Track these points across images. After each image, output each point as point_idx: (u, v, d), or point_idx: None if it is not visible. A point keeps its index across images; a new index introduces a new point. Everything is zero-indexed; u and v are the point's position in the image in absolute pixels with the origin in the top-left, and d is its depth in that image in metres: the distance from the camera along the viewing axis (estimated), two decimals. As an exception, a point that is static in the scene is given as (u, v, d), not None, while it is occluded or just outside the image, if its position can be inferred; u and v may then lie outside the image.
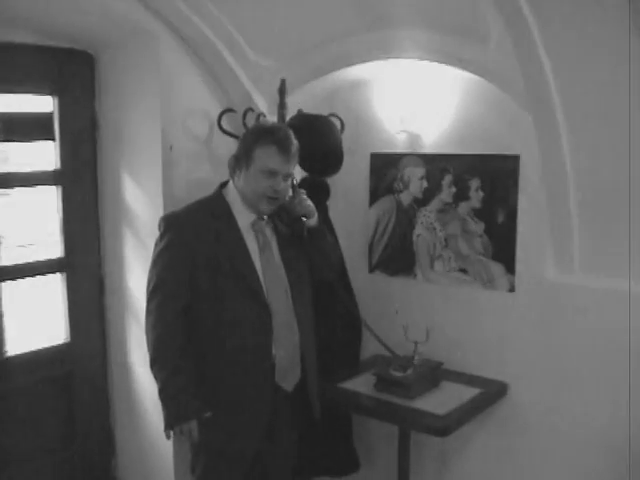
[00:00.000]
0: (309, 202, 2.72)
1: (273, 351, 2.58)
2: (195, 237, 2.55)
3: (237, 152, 2.66)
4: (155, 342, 2.53)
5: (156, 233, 3.25)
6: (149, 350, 2.57)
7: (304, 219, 2.68)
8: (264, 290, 2.59)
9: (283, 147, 2.56)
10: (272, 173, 2.56)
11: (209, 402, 2.56)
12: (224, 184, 2.73)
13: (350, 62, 3.19)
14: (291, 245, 2.72)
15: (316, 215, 2.75)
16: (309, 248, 2.72)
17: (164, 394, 2.51)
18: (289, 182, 2.66)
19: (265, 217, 2.69)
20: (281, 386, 2.64)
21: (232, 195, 2.66)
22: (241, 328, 2.56)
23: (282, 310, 2.63)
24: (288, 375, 2.66)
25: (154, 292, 2.57)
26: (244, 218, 2.64)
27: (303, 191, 2.75)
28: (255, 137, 2.61)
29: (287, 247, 2.72)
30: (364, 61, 3.17)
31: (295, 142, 2.61)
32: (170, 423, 2.52)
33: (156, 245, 2.63)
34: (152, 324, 2.55)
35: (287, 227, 2.73)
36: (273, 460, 2.81)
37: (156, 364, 2.54)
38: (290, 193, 2.71)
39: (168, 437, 2.56)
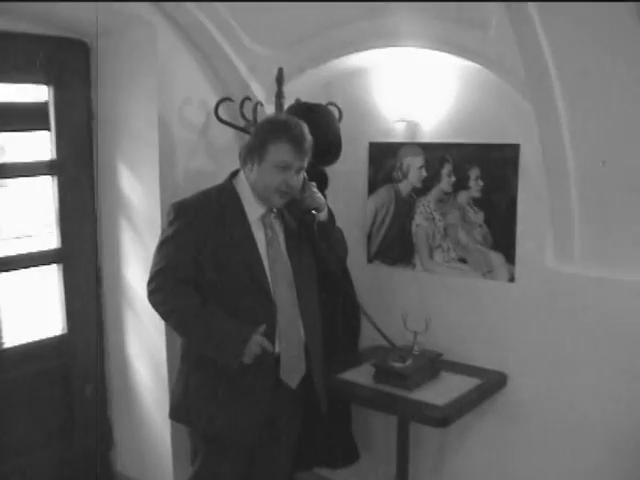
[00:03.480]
0: (319, 195, 2.70)
1: (277, 345, 2.56)
2: (204, 227, 2.53)
3: (249, 144, 2.61)
4: (174, 311, 2.51)
5: (153, 223, 3.26)
6: (171, 322, 2.55)
7: (314, 212, 2.66)
8: (269, 284, 2.57)
9: (297, 142, 2.53)
10: (285, 167, 2.53)
11: (210, 392, 2.55)
12: (235, 173, 2.70)
13: (348, 50, 3.17)
14: (299, 240, 2.70)
15: (326, 209, 2.73)
16: (318, 242, 2.70)
17: (212, 340, 2.48)
18: (301, 176, 2.63)
19: (274, 210, 2.66)
20: (285, 382, 2.62)
21: (242, 187, 2.63)
22: (245, 321, 2.52)
23: (287, 305, 2.60)
24: (293, 370, 2.63)
25: (159, 273, 2.53)
26: (253, 211, 2.61)
27: (314, 184, 2.72)
28: (269, 131, 2.56)
29: (295, 242, 2.70)
30: (362, 49, 3.15)
31: (309, 137, 2.58)
32: (236, 354, 2.44)
33: (163, 231, 2.62)
34: (162, 299, 2.52)
35: (296, 220, 2.70)
36: (273, 453, 2.80)
37: (187, 327, 2.52)
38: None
39: (247, 359, 2.45)
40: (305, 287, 2.70)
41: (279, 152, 2.52)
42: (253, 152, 2.57)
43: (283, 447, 2.84)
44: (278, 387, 2.60)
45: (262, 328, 2.47)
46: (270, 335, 2.53)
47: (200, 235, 2.52)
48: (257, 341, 2.44)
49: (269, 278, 2.58)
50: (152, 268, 2.57)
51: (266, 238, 2.61)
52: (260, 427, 2.61)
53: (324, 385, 2.80)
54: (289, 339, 2.60)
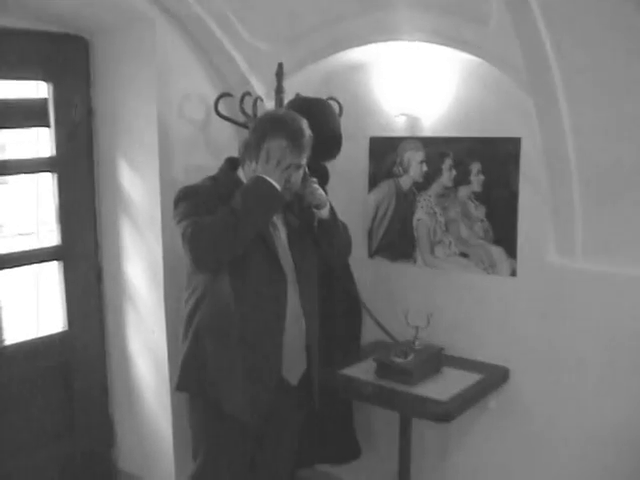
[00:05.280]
0: (321, 191, 2.65)
1: (283, 340, 2.55)
2: (214, 205, 2.46)
3: (248, 141, 2.57)
4: (212, 229, 2.41)
5: (154, 219, 3.27)
6: (211, 247, 2.40)
7: (314, 210, 2.64)
8: (279, 256, 2.56)
9: (296, 139, 2.49)
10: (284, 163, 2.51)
11: (231, 367, 2.53)
12: (234, 165, 2.66)
13: (348, 45, 3.17)
14: (301, 236, 2.68)
15: (328, 205, 2.69)
16: (319, 239, 2.68)
17: (245, 204, 2.41)
18: (301, 172, 2.60)
19: None
20: (287, 379, 2.61)
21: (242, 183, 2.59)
22: (258, 309, 2.52)
23: (290, 301, 2.59)
24: (294, 366, 2.64)
25: (188, 223, 2.43)
26: None
27: (315, 180, 2.68)
28: (267, 128, 2.52)
29: (296, 238, 2.67)
30: (362, 44, 3.14)
31: (308, 132, 2.54)
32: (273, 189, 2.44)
33: (175, 207, 2.56)
34: (200, 237, 2.40)
35: (297, 217, 2.69)
36: (275, 448, 2.79)
37: (229, 224, 2.40)
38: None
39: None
40: (306, 284, 2.68)
41: (277, 150, 2.49)
42: (251, 149, 2.54)
43: (285, 445, 2.83)
44: (280, 382, 2.59)
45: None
46: (278, 327, 2.54)
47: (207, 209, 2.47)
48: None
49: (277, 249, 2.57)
50: (182, 236, 2.45)
51: (266, 236, 2.57)
52: (260, 425, 2.61)
53: (320, 382, 2.79)
54: (292, 334, 2.59)
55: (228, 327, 2.53)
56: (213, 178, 2.65)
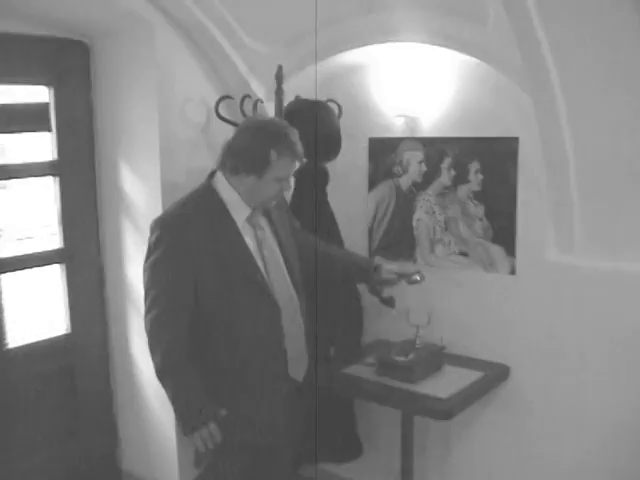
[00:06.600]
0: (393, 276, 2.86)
1: (285, 346, 2.55)
2: (193, 240, 2.42)
3: (245, 153, 2.46)
4: (162, 355, 2.43)
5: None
6: (155, 361, 2.45)
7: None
8: (269, 286, 2.53)
9: (298, 153, 2.50)
10: (284, 179, 2.53)
11: (223, 400, 2.51)
12: (212, 175, 2.58)
13: (347, 47, 3.20)
14: (283, 231, 2.70)
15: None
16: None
17: (177, 403, 2.46)
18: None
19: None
20: (293, 378, 2.62)
21: (227, 192, 2.51)
22: (253, 327, 2.49)
23: (288, 303, 2.59)
24: (298, 365, 2.64)
25: (154, 303, 2.44)
26: (240, 213, 2.52)
27: (390, 269, 2.87)
28: (270, 143, 2.44)
29: (281, 233, 2.68)
30: (361, 45, 3.17)
31: (296, 133, 2.52)
32: (187, 431, 2.47)
33: (150, 250, 2.46)
34: (157, 338, 2.45)
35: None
36: (279, 451, 2.78)
37: (165, 375, 2.45)
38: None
39: (195, 445, 2.48)
40: (296, 278, 2.69)
41: (282, 168, 2.47)
42: (249, 164, 2.45)
43: (289, 447, 2.83)
44: (289, 385, 2.60)
45: (224, 413, 2.47)
46: (278, 336, 2.54)
47: (191, 250, 2.41)
48: (208, 432, 2.44)
49: (267, 279, 2.53)
50: (145, 294, 2.47)
51: (257, 240, 2.56)
52: (275, 431, 2.61)
53: (321, 381, 2.79)
54: (293, 336, 2.60)
55: (215, 365, 2.53)
56: (195, 197, 2.57)
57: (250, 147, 2.46)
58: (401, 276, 2.87)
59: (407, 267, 3.01)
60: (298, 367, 2.64)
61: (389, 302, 2.93)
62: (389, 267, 2.87)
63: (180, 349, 2.44)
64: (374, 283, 2.88)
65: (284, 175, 2.50)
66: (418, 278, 2.87)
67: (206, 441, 2.45)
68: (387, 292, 2.94)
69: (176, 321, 2.44)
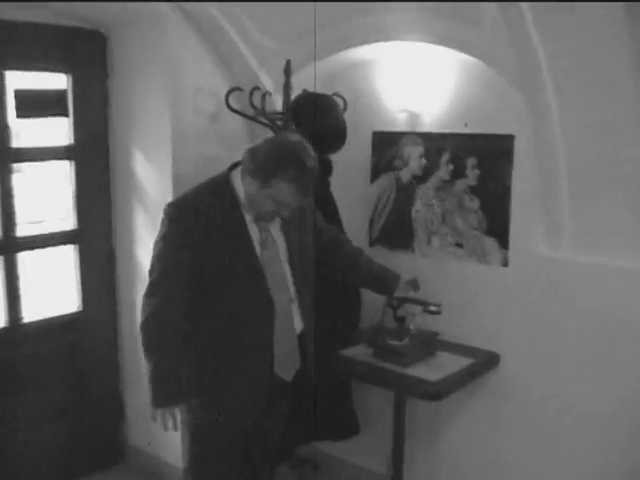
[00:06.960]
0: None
1: (274, 344, 2.60)
2: (202, 228, 2.48)
3: (255, 161, 2.47)
4: (153, 341, 2.53)
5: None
6: (143, 344, 2.55)
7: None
8: (268, 283, 2.57)
9: (301, 189, 2.46)
10: (282, 203, 2.49)
11: (203, 388, 2.60)
12: (234, 167, 2.62)
13: (352, 44, 3.26)
14: (296, 229, 2.71)
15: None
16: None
17: (153, 380, 2.52)
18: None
19: None
20: (280, 376, 2.66)
21: (240, 187, 2.55)
22: (243, 319, 2.56)
23: (284, 302, 2.63)
24: (287, 366, 2.68)
25: (155, 287, 2.53)
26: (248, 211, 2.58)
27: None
28: (278, 166, 2.43)
29: (292, 232, 2.69)
30: (366, 43, 3.23)
31: (314, 174, 2.48)
32: (153, 405, 2.52)
33: (162, 228, 2.54)
34: (151, 327, 2.54)
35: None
36: (261, 445, 2.87)
37: (149, 352, 2.54)
38: None
39: (154, 419, 2.54)
40: (303, 279, 2.72)
41: (282, 193, 2.45)
42: (255, 173, 2.47)
43: (270, 441, 2.92)
44: (272, 382, 2.65)
45: (194, 401, 2.57)
46: (268, 332, 2.59)
47: (198, 237, 2.48)
48: (172, 412, 2.52)
49: (267, 276, 2.57)
50: (150, 272, 2.55)
51: (261, 236, 2.59)
52: (251, 425, 2.71)
53: (318, 362, 2.86)
54: (284, 336, 2.64)
55: (201, 352, 2.61)
56: (211, 187, 2.61)
57: (265, 158, 2.46)
58: (420, 303, 3.02)
59: (429, 299, 3.10)
60: (286, 366, 2.67)
61: (401, 321, 3.11)
62: (412, 295, 3.01)
63: (171, 324, 2.51)
64: (391, 300, 3.05)
65: (282, 200, 2.46)
66: (434, 309, 3.02)
67: (165, 423, 2.52)
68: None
69: (172, 315, 2.51)
